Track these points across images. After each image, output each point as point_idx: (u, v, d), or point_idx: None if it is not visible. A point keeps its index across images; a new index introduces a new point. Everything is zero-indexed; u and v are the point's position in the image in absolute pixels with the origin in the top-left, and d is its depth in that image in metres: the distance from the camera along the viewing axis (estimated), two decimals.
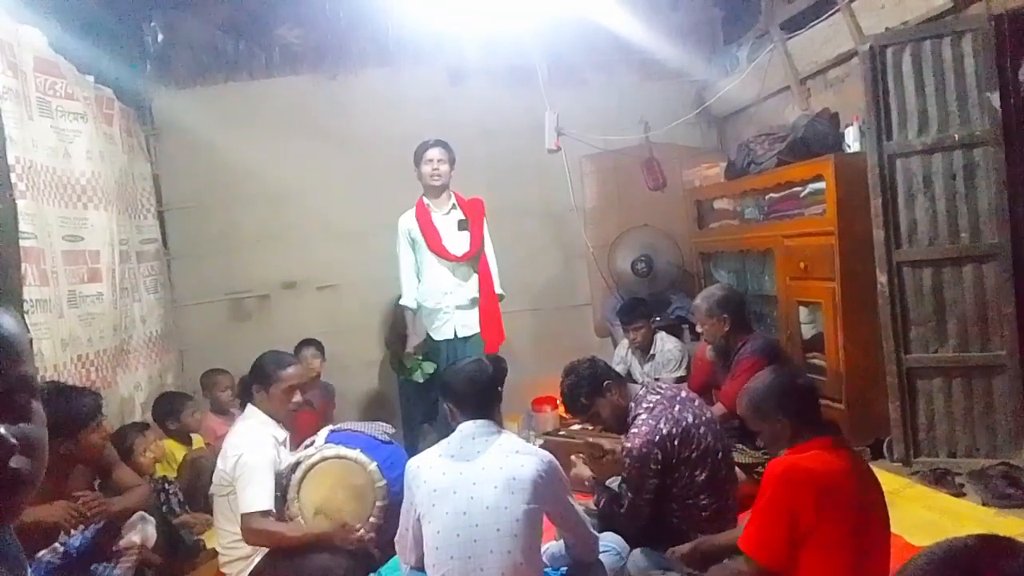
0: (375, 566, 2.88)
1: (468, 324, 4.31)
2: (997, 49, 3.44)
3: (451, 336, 4.29)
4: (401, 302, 4.43)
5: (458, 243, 4.30)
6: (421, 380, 4.34)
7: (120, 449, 3.25)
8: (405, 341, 5.14)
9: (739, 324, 3.87)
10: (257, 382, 3.03)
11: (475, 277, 4.34)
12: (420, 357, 4.34)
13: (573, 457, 3.40)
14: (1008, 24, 3.42)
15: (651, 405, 2.88)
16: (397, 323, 5.22)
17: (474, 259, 4.33)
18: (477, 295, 4.32)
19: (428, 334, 4.36)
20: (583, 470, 3.23)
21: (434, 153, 4.25)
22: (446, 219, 4.32)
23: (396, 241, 4.38)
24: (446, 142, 4.30)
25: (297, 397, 3.06)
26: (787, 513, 2.08)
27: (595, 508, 3.05)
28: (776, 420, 2.28)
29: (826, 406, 4.05)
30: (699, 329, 4.00)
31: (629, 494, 2.86)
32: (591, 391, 2.95)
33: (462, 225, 4.32)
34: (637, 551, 2.80)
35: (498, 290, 4.41)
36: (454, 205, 4.36)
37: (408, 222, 4.32)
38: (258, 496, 2.76)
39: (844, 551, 2.05)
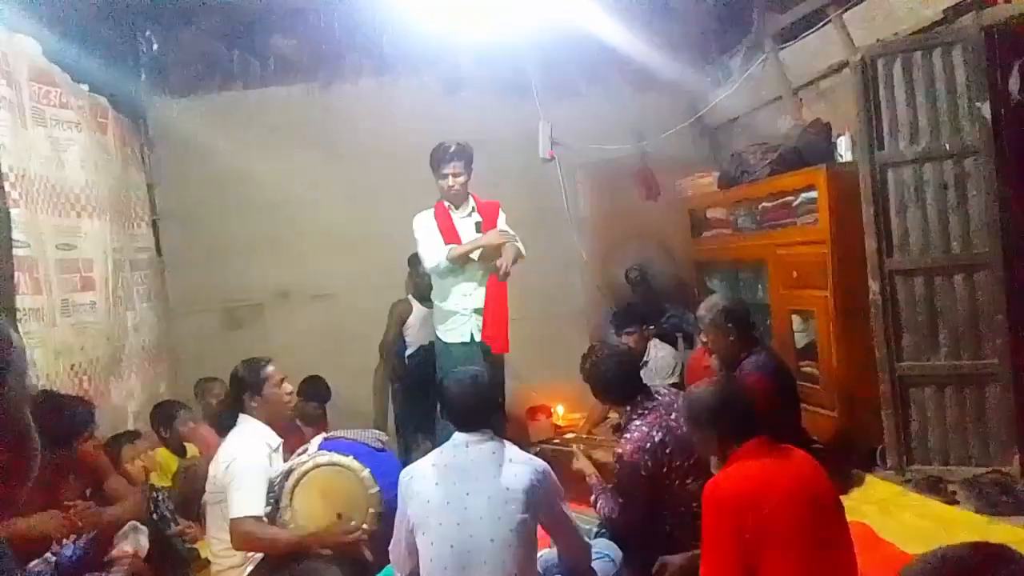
0: (368, 573, 2.87)
1: None
2: (987, 60, 3.47)
3: (467, 339, 4.13)
4: (435, 260, 4.06)
5: None
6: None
7: (109, 458, 3.24)
8: (399, 346, 5.15)
9: (744, 336, 3.84)
10: (247, 391, 3.02)
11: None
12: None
13: (575, 447, 3.41)
14: (998, 36, 3.45)
15: (646, 412, 2.89)
16: (392, 330, 5.22)
17: (490, 262, 4.12)
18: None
19: (438, 336, 4.24)
20: (585, 465, 3.23)
21: (451, 168, 4.12)
22: (466, 222, 4.22)
23: (414, 240, 4.20)
24: (463, 148, 4.16)
25: (288, 387, 3.11)
26: (728, 532, 2.10)
27: (592, 511, 3.05)
28: (706, 431, 2.35)
29: (819, 414, 4.08)
30: (703, 339, 3.96)
31: (620, 500, 2.86)
32: (613, 385, 3.06)
33: (479, 228, 4.20)
34: None
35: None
36: (473, 208, 4.27)
37: (427, 222, 4.19)
38: (248, 501, 2.75)
39: (799, 545, 2.06)
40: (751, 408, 2.35)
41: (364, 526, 2.85)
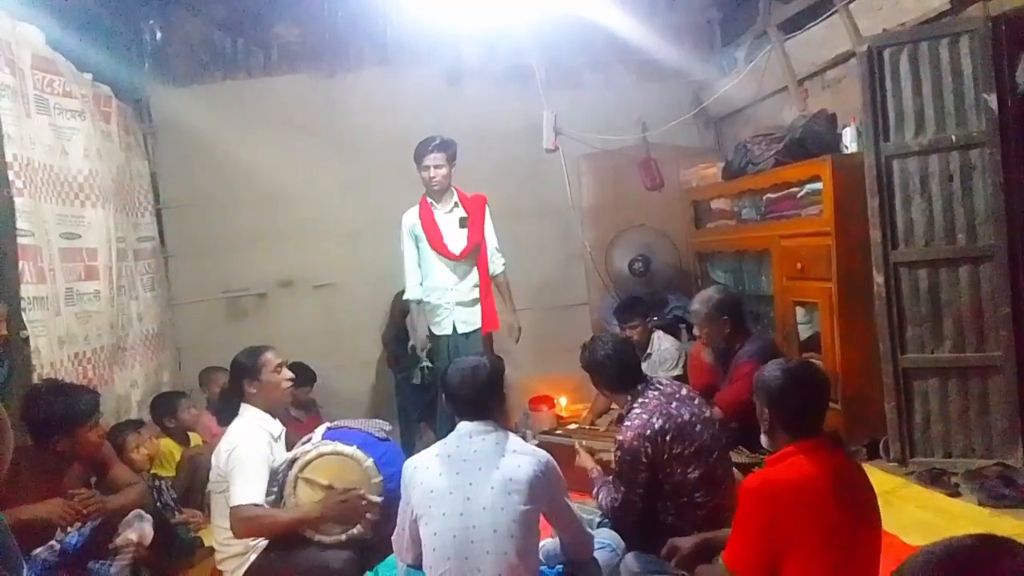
0: (372, 561, 2.88)
1: (468, 320, 4.39)
2: (994, 50, 3.45)
3: (450, 332, 4.36)
4: (406, 296, 4.48)
5: (458, 241, 4.36)
6: (417, 382, 4.49)
7: (114, 446, 3.26)
8: (401, 336, 5.19)
9: (738, 326, 3.88)
10: (245, 379, 3.04)
11: (475, 273, 4.41)
12: (426, 360, 4.45)
13: (577, 444, 3.42)
14: (1005, 26, 3.43)
15: (647, 400, 2.89)
16: (394, 320, 5.23)
17: (472, 255, 4.39)
18: (478, 293, 4.40)
19: (429, 329, 4.43)
20: (586, 460, 3.24)
21: (431, 159, 4.27)
22: (448, 217, 4.38)
23: (399, 237, 4.43)
24: (445, 142, 4.30)
25: (287, 373, 3.12)
26: (763, 529, 2.07)
27: (594, 502, 3.06)
28: (763, 408, 2.27)
29: None
30: (698, 332, 3.99)
31: (621, 488, 2.86)
32: (613, 373, 3.03)
33: (463, 223, 4.38)
34: (630, 555, 2.79)
35: (497, 269, 4.50)
36: (456, 203, 4.41)
37: (411, 219, 4.39)
38: (248, 489, 2.76)
39: (827, 556, 2.04)
40: (815, 408, 2.24)
41: (368, 515, 2.85)
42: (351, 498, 2.82)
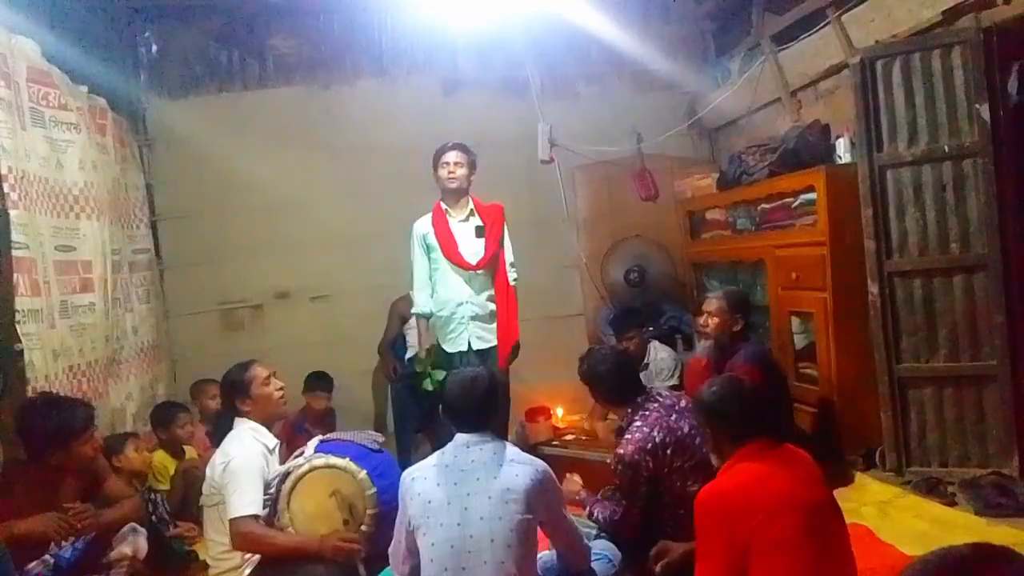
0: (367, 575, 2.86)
1: (484, 337, 4.14)
2: (986, 61, 3.48)
3: (465, 348, 4.11)
4: (414, 310, 4.25)
5: (474, 251, 4.11)
6: (430, 388, 4.08)
7: (107, 455, 3.24)
8: (399, 346, 5.17)
9: (743, 328, 3.88)
10: (237, 396, 3.04)
11: (492, 286, 4.15)
12: (430, 366, 4.12)
13: (568, 475, 3.41)
14: (997, 36, 3.45)
15: (647, 413, 2.90)
16: (391, 329, 5.21)
17: (490, 267, 4.14)
18: (495, 307, 4.14)
19: (440, 345, 4.18)
20: (575, 484, 3.25)
21: (451, 156, 4.09)
22: (463, 225, 4.14)
23: (408, 246, 4.22)
24: (465, 145, 4.16)
25: (278, 384, 3.11)
26: (719, 540, 2.11)
27: (588, 519, 3.05)
28: (706, 429, 2.41)
29: (818, 415, 4.08)
30: (706, 321, 3.88)
31: (622, 501, 2.86)
32: (612, 386, 3.06)
33: (479, 232, 4.14)
34: None
35: (512, 280, 4.21)
36: (472, 211, 4.19)
37: (423, 227, 4.15)
38: (246, 500, 2.75)
39: (793, 551, 2.06)
40: (752, 411, 2.32)
41: (362, 527, 2.84)
42: (350, 550, 2.77)
